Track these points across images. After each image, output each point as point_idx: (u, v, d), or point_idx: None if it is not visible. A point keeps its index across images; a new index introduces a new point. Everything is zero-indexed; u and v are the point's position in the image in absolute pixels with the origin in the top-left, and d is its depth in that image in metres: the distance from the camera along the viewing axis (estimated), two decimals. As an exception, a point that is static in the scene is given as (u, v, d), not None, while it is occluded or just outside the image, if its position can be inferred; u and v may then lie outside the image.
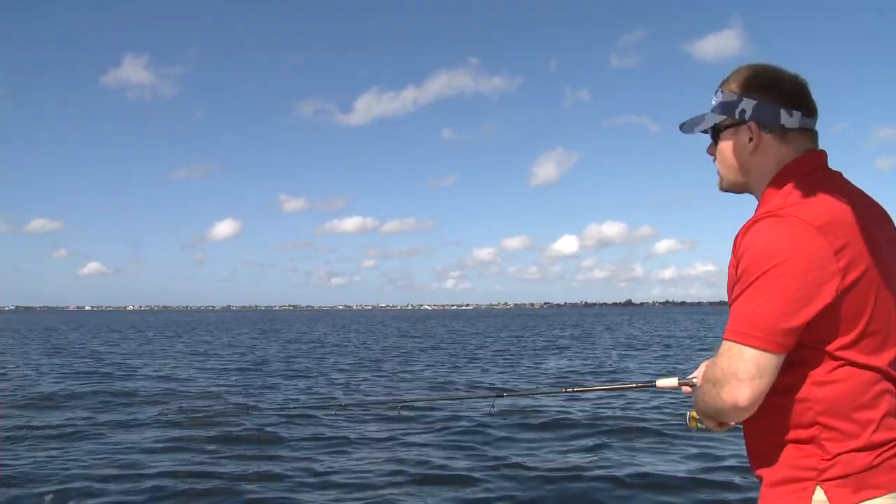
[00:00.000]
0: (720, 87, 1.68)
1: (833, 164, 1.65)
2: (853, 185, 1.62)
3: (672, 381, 2.00)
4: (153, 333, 41.42)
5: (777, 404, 1.48)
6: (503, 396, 2.85)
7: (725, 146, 1.68)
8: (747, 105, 1.61)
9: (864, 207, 1.56)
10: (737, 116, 1.63)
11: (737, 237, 1.54)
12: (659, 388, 2.03)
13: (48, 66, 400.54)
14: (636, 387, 2.23)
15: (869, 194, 1.64)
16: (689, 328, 42.53)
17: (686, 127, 1.76)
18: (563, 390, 3.22)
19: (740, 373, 1.43)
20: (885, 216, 1.63)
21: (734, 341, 1.44)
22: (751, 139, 1.63)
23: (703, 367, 1.89)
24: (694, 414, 1.76)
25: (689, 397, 1.81)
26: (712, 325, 47.89)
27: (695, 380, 1.88)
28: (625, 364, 17.56)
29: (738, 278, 1.48)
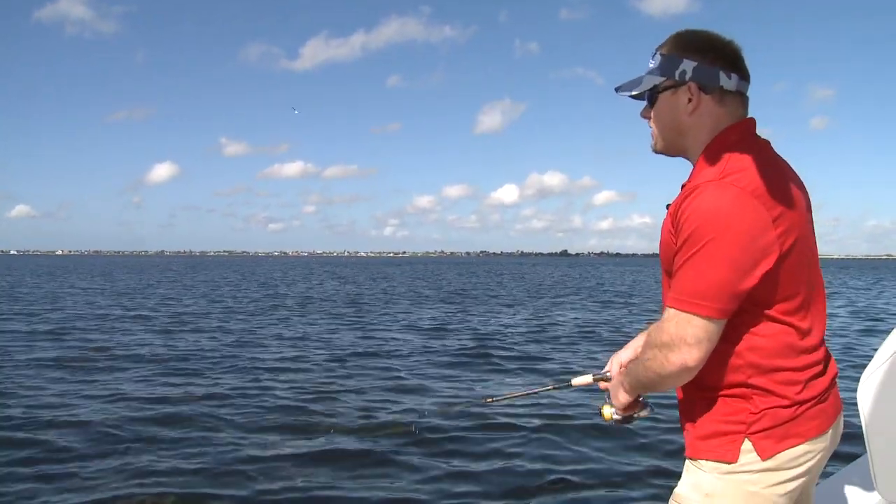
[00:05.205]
0: (658, 49, 1.69)
1: (770, 123, 1.70)
2: (779, 155, 1.67)
3: (587, 378, 2.00)
4: None
5: (712, 361, 1.54)
6: (425, 416, 2.75)
7: (663, 108, 1.68)
8: (688, 66, 1.62)
9: (791, 178, 1.62)
10: (676, 77, 1.63)
11: (676, 202, 1.56)
12: (575, 386, 2.03)
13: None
14: (553, 388, 2.22)
15: (790, 165, 1.68)
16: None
17: (624, 88, 1.73)
18: (484, 400, 3.18)
19: (689, 337, 1.49)
20: (803, 187, 1.67)
21: (681, 310, 1.50)
22: (690, 100, 1.63)
23: (612, 361, 1.93)
24: (606, 410, 1.81)
25: (604, 392, 1.85)
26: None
27: (609, 374, 1.91)
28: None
29: (682, 245, 1.50)
